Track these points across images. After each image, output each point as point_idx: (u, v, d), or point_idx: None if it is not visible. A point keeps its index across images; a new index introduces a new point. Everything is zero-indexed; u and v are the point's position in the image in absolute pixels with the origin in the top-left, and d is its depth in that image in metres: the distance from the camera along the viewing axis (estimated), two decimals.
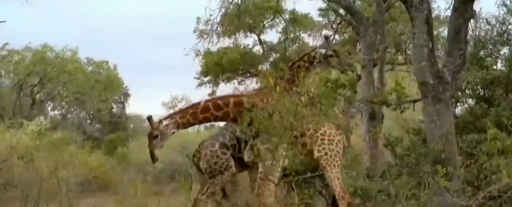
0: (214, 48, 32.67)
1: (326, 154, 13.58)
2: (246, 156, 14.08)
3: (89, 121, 53.57)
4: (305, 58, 14.86)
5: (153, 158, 13.61)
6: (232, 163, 14.91)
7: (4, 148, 18.46)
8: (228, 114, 13.91)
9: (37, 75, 45.31)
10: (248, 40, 34.55)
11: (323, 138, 13.70)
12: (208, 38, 30.84)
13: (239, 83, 35.62)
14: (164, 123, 13.49)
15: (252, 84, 36.06)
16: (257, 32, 33.63)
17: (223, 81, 34.44)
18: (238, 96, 14.14)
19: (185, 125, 13.85)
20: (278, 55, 33.82)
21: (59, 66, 44.77)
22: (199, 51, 33.21)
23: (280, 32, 33.99)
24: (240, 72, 34.34)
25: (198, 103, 13.85)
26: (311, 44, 33.40)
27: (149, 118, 13.45)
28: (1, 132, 22.46)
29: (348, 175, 15.41)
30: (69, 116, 52.07)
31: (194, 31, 32.59)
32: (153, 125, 13.38)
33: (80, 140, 35.28)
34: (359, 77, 24.07)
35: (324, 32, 32.51)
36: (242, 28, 32.65)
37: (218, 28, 30.26)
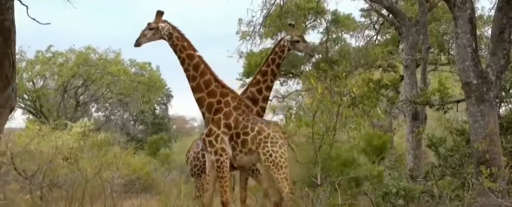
0: (256, 49, 32.70)
1: (271, 155, 13.44)
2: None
3: (132, 122, 53.93)
4: (276, 49, 14.92)
5: (137, 42, 14.27)
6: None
7: (49, 149, 18.61)
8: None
9: (81, 77, 45.72)
10: None
11: (266, 140, 13.65)
12: (251, 40, 30.88)
13: (281, 84, 35.63)
14: (167, 27, 14.10)
15: (294, 85, 36.07)
16: (300, 32, 33.56)
17: None
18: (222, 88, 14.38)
19: (175, 46, 14.28)
20: (320, 55, 33.69)
21: (102, 67, 45.14)
22: (242, 52, 33.27)
23: (322, 33, 33.87)
24: (282, 73, 34.25)
25: (201, 60, 14.24)
26: (353, 45, 33.32)
27: (160, 12, 14.29)
28: (46, 133, 22.65)
29: (390, 176, 15.34)
30: (112, 117, 52.46)
31: (237, 33, 32.63)
32: (158, 19, 14.11)
33: (123, 141, 35.48)
34: (401, 78, 23.97)
35: (367, 32, 32.42)
36: (284, 29, 32.58)
37: (260, 30, 30.26)
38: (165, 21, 14.06)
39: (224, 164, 13.68)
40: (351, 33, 34.07)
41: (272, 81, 14.88)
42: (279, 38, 30.48)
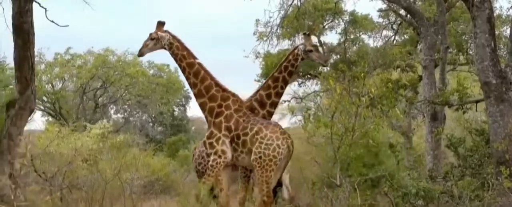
0: (273, 50, 32.62)
1: (260, 157, 13.83)
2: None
3: (151, 124, 54.02)
4: (290, 57, 15.15)
5: (140, 52, 15.02)
6: None
7: (68, 151, 18.69)
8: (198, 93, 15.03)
9: (99, 78, 45.89)
10: None
11: (261, 141, 13.84)
12: (268, 40, 30.84)
13: (299, 85, 35.56)
14: (167, 37, 14.70)
15: (312, 85, 35.99)
16: (317, 34, 33.40)
17: None
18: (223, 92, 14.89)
19: (175, 55, 14.88)
20: (338, 56, 33.60)
21: (121, 69, 45.27)
22: (259, 53, 33.18)
23: (340, 34, 33.76)
24: (300, 74, 34.19)
25: (201, 67, 14.85)
26: (371, 45, 33.21)
27: (160, 22, 14.87)
28: (65, 135, 22.73)
29: (410, 176, 15.29)
30: (131, 119, 52.55)
31: (254, 33, 32.57)
32: (160, 29, 14.76)
33: (142, 143, 35.56)
34: (420, 78, 23.86)
35: (385, 32, 32.35)
36: (302, 30, 32.51)
37: (278, 30, 30.20)
38: (166, 31, 14.71)
39: (217, 166, 14.31)
40: (369, 33, 33.91)
41: (283, 88, 15.24)
42: (296, 39, 30.56)
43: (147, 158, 24.96)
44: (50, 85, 45.62)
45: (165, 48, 14.97)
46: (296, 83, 34.78)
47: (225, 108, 14.60)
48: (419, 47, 28.65)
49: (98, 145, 22.83)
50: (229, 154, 14.30)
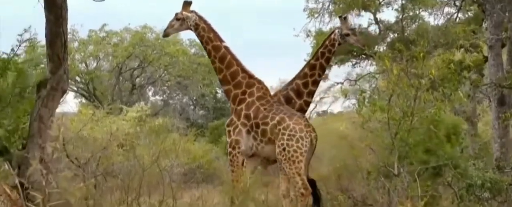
0: (325, 28, 32.41)
1: (284, 149, 14.18)
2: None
3: (192, 107, 54.08)
4: (327, 42, 15.63)
5: (165, 32, 16.20)
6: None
7: (103, 135, 18.78)
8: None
9: (137, 58, 46.02)
10: (362, 20, 34.11)
11: (284, 132, 14.17)
12: (319, 18, 30.70)
13: (353, 65, 35.33)
14: (193, 18, 15.46)
15: (367, 66, 35.76)
16: (373, 11, 33.07)
17: (336, 63, 34.08)
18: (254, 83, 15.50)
19: (201, 37, 15.63)
20: (396, 35, 33.30)
21: (160, 48, 45.36)
22: (309, 31, 32.98)
23: (397, 10, 33.42)
24: (354, 53, 33.97)
25: (227, 51, 15.60)
26: (432, 23, 32.85)
27: (187, 2, 15.57)
28: (100, 118, 22.87)
29: (475, 166, 15.12)
30: (171, 101, 52.70)
31: (304, 10, 32.36)
32: (186, 9, 15.51)
33: (182, 127, 35.71)
34: (486, 59, 23.59)
35: (447, 9, 31.98)
36: (356, 6, 32.15)
37: (330, 7, 30.06)
38: (192, 11, 15.50)
39: (235, 158, 14.71)
40: (429, 10, 33.53)
41: (320, 76, 15.87)
42: (349, 16, 30.37)
43: (188, 143, 25.04)
44: (83, 65, 45.94)
45: (191, 29, 15.61)
46: (349, 63, 34.55)
47: (248, 95, 15.16)
48: (484, 25, 28.32)
49: (135, 130, 22.99)
50: (243, 144, 14.62)
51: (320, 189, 15.35)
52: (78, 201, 14.93)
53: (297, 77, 15.96)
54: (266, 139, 14.63)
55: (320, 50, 15.78)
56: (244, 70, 15.33)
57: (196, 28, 15.47)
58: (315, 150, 15.03)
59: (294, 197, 14.73)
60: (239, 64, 15.36)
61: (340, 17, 16.35)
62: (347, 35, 15.46)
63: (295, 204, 14.86)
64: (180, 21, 15.51)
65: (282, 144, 14.12)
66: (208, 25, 15.47)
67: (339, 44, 15.75)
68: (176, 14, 15.57)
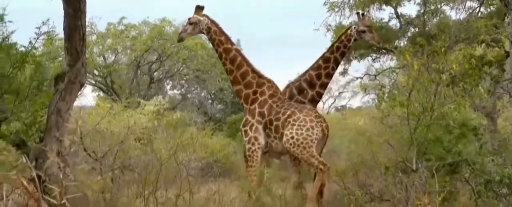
0: (346, 22, 32.35)
1: (292, 137, 14.78)
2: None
3: (210, 101, 54.04)
4: (343, 37, 16.15)
5: (179, 37, 17.14)
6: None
7: (120, 129, 18.87)
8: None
9: (155, 51, 46.01)
10: (383, 14, 34.08)
11: (293, 123, 14.86)
12: (340, 12, 30.68)
13: (373, 60, 35.25)
14: (205, 22, 16.29)
15: (387, 61, 35.69)
16: (394, 5, 32.94)
17: (355, 58, 34.03)
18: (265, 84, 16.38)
19: (212, 40, 16.54)
20: (417, 29, 33.18)
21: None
22: (330, 25, 32.92)
23: (418, 4, 33.31)
24: (375, 48, 33.88)
25: (238, 53, 16.51)
26: (453, 17, 32.73)
27: (199, 6, 16.35)
28: (117, 112, 22.92)
29: (494, 162, 15.11)
30: (189, 95, 52.67)
31: (325, 4, 32.30)
32: (198, 13, 16.27)
33: (200, 122, 35.80)
34: (507, 54, 23.54)
35: (469, 4, 31.88)
36: (377, 0, 32.14)
37: (351, 1, 30.05)
38: (204, 15, 15.95)
39: (254, 153, 15.26)
40: (451, 4, 33.42)
41: (334, 69, 16.49)
42: (370, 10, 30.35)
43: (206, 138, 25.08)
44: (101, 58, 45.94)
45: (203, 33, 16.54)
46: (369, 58, 34.48)
47: (259, 94, 15.97)
48: (507, 20, 28.22)
49: (152, 123, 23.06)
50: (262, 140, 15.00)
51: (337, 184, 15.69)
52: (95, 195, 15.08)
53: (311, 68, 16.50)
54: (279, 135, 15.10)
55: (336, 44, 16.24)
56: (253, 71, 16.00)
57: (208, 32, 16.34)
58: (327, 139, 15.36)
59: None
60: (249, 65, 16.05)
61: (357, 13, 16.55)
62: (363, 31, 15.83)
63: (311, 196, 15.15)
64: (193, 25, 16.36)
65: (291, 133, 14.65)
66: (220, 28, 16.33)
67: (355, 40, 16.11)
68: (189, 19, 16.38)
